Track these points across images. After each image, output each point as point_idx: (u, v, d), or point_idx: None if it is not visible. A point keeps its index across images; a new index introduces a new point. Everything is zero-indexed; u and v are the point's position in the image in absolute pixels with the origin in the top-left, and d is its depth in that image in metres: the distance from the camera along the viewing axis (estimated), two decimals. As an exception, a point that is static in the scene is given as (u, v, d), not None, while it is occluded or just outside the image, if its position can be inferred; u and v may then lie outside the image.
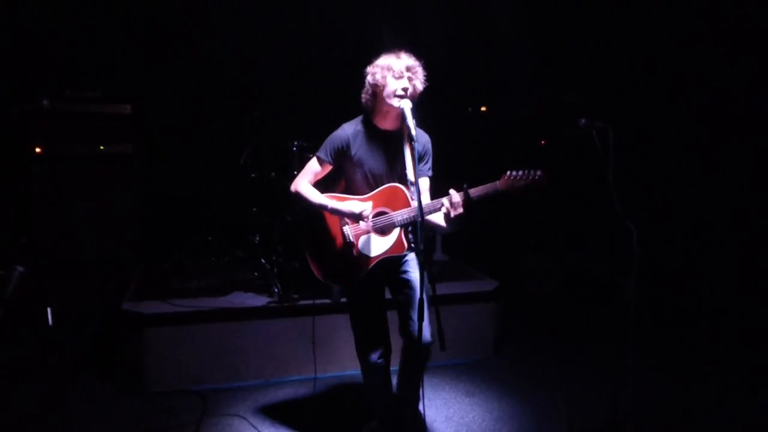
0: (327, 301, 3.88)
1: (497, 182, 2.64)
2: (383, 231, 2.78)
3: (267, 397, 3.60)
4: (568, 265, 5.88)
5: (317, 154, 2.83)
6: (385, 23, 4.90)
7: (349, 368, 3.88)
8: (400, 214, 2.72)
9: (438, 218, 2.75)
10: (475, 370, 4.06)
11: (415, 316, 2.81)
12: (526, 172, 2.60)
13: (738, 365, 4.19)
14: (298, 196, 2.83)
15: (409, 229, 2.83)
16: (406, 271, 2.86)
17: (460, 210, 2.61)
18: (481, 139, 6.07)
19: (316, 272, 2.83)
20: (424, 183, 2.88)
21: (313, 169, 2.84)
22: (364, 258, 2.76)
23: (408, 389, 2.98)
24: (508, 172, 2.62)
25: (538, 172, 2.61)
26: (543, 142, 6.26)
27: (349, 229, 2.78)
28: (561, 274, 5.87)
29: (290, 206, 4.30)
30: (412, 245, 2.81)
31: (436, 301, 2.53)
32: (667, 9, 5.29)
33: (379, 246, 2.76)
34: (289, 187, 2.87)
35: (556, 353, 4.44)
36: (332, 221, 2.82)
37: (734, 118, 5.05)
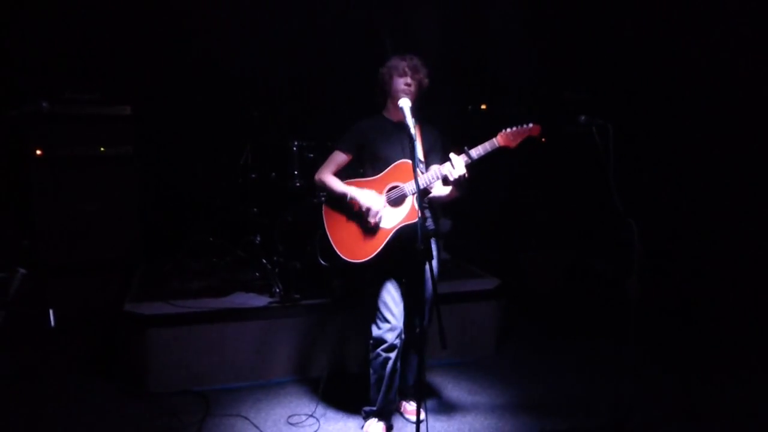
0: (328, 300, 3.88)
1: (494, 138, 2.87)
2: (397, 202, 2.97)
3: (269, 397, 3.60)
4: (569, 263, 5.88)
5: (337, 146, 3.12)
6: (385, 22, 4.90)
7: (352, 367, 3.88)
8: (411, 184, 2.91)
9: (443, 190, 2.98)
10: (476, 368, 4.06)
11: (419, 309, 2.97)
12: (520, 125, 2.86)
13: (741, 362, 4.18)
14: (323, 185, 3.09)
15: (425, 207, 2.99)
16: (421, 269, 2.95)
17: (463, 170, 2.80)
18: (482, 138, 6.06)
19: (338, 250, 3.01)
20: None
21: (335, 159, 3.11)
22: (383, 231, 2.95)
23: (404, 376, 3.28)
24: (503, 129, 2.86)
25: (530, 124, 2.86)
26: (543, 139, 6.25)
27: None
28: (563, 272, 5.87)
29: (291, 206, 4.31)
30: (427, 217, 2.96)
31: (437, 300, 2.58)
32: (668, 4, 5.27)
33: (394, 217, 2.96)
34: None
35: (559, 351, 4.44)
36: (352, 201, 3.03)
37: (737, 114, 5.04)
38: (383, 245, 2.93)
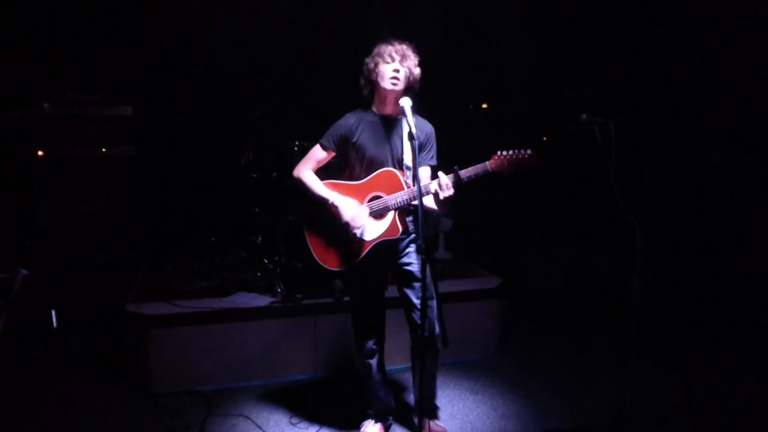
0: (330, 300, 3.88)
1: (487, 162, 2.68)
2: (378, 215, 2.82)
3: (271, 397, 3.60)
4: (571, 262, 5.88)
5: (320, 141, 2.90)
6: (385, 21, 4.90)
7: (353, 367, 3.88)
8: (394, 198, 2.77)
9: (430, 202, 2.81)
10: (478, 367, 4.06)
11: (419, 310, 2.85)
12: (516, 151, 2.64)
13: (743, 361, 4.17)
14: (300, 183, 2.90)
15: (408, 218, 2.88)
16: (409, 263, 2.90)
17: (451, 191, 2.65)
18: (483, 137, 6.06)
19: (315, 255, 2.89)
20: (425, 172, 2.90)
21: (315, 155, 2.91)
22: (361, 242, 2.81)
23: (422, 386, 2.95)
24: (498, 152, 2.66)
25: (528, 151, 2.64)
26: (545, 138, 6.25)
27: None
28: (564, 271, 5.86)
29: (292, 206, 4.31)
30: (410, 229, 2.86)
31: (438, 299, 2.56)
32: (670, 1, 5.27)
33: (374, 230, 2.81)
34: (292, 173, 2.93)
35: (560, 350, 4.43)
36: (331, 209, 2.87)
37: (739, 112, 5.03)
38: (360, 258, 2.81)
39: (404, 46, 2.75)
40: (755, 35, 4.83)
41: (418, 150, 2.83)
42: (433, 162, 2.93)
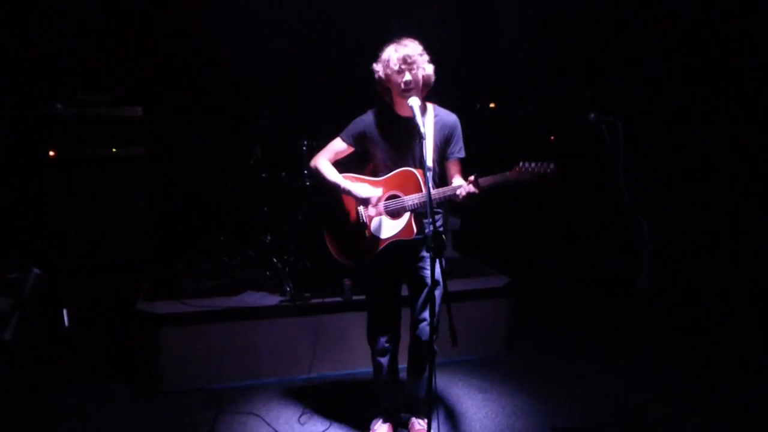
0: (339, 299, 3.90)
1: (508, 173, 2.62)
2: (395, 214, 2.83)
3: (281, 395, 3.63)
4: (579, 260, 5.86)
5: (341, 134, 2.92)
6: (392, 20, 4.91)
7: (362, 366, 3.90)
8: (411, 199, 2.76)
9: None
10: (487, 366, 4.06)
11: (424, 315, 2.88)
12: (539, 164, 2.55)
13: (753, 360, 4.15)
14: (316, 171, 2.90)
15: (425, 220, 2.83)
16: (422, 268, 2.91)
17: (465, 193, 2.62)
18: (490, 137, 6.06)
19: (330, 248, 2.93)
20: (456, 165, 2.90)
21: (334, 147, 2.92)
22: (375, 239, 2.83)
23: (413, 389, 3.07)
24: (521, 164, 2.59)
25: (551, 165, 2.55)
26: (553, 137, 6.24)
27: (363, 210, 2.87)
28: (573, 269, 5.85)
29: (301, 205, 4.33)
30: (425, 231, 2.78)
31: (448, 298, 2.55)
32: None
33: (389, 229, 2.82)
34: (303, 170, 2.92)
35: (569, 348, 4.43)
36: (348, 200, 2.90)
37: (747, 110, 5.00)
38: (374, 255, 2.82)
39: (412, 49, 2.68)
40: (762, 34, 4.80)
41: (445, 143, 2.86)
42: (462, 154, 2.89)
